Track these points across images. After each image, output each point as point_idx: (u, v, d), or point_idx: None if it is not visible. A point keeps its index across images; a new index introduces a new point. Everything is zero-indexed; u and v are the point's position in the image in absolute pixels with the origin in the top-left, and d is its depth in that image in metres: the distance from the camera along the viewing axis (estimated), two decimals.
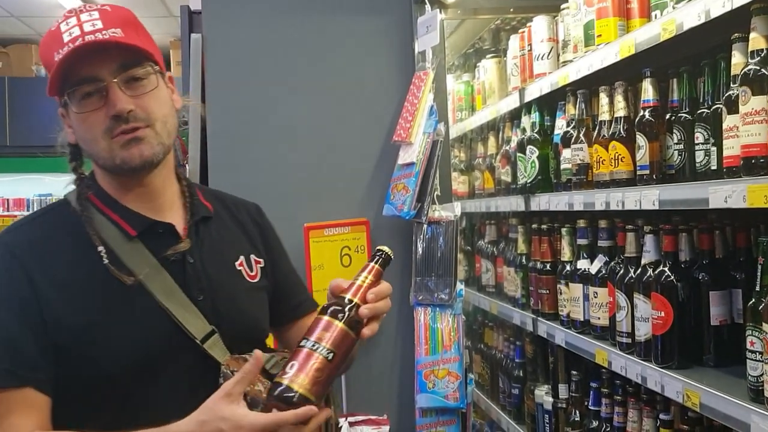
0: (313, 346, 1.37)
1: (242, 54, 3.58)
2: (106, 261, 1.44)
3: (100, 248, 1.45)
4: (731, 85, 1.77)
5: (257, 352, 1.42)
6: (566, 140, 2.59)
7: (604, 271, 2.41)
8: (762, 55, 1.63)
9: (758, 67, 1.62)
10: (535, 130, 2.90)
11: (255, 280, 1.64)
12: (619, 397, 2.42)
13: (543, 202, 2.77)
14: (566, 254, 2.67)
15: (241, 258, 1.64)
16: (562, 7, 2.67)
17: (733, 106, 1.71)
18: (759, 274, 1.70)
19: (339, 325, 1.39)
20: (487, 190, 3.58)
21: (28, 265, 1.42)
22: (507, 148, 3.23)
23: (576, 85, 2.53)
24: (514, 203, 3.07)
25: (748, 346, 1.70)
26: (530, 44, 2.89)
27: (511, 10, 3.27)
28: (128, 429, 1.35)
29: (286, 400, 1.32)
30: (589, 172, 2.45)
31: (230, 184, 3.61)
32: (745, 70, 1.65)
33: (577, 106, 2.54)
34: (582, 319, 2.55)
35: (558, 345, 2.75)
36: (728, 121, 1.74)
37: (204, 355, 1.46)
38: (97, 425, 1.38)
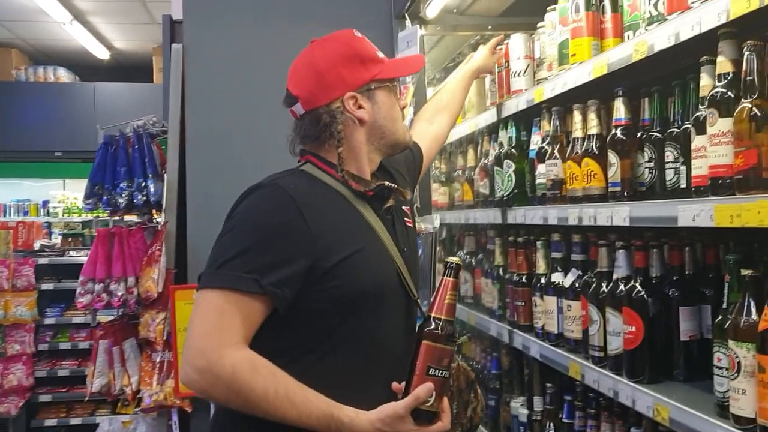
0: (435, 372, 1.73)
1: (222, 64, 3.60)
2: (357, 208, 1.85)
3: (347, 203, 1.84)
4: (700, 106, 1.81)
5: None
6: (541, 156, 2.63)
7: (577, 285, 2.45)
8: (729, 78, 1.67)
9: (725, 90, 1.66)
10: (512, 145, 2.93)
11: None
12: (592, 411, 2.45)
13: (519, 215, 2.80)
14: (541, 267, 2.70)
15: (406, 215, 2.07)
16: (539, 25, 2.72)
17: (701, 127, 1.75)
18: (725, 291, 1.74)
19: (437, 345, 1.74)
20: (466, 202, 3.61)
21: (302, 204, 1.74)
22: (485, 161, 3.26)
23: (551, 102, 2.57)
24: (491, 215, 3.10)
25: (715, 362, 1.74)
26: (507, 61, 2.93)
27: (490, 27, 3.31)
28: (359, 345, 1.79)
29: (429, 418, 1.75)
30: (563, 187, 2.48)
31: (209, 192, 3.65)
32: (713, 92, 1.70)
33: (552, 122, 2.58)
34: (556, 332, 2.58)
35: (533, 357, 2.78)
36: (696, 141, 1.78)
37: (408, 291, 1.90)
38: (333, 344, 1.76)
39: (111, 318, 3.94)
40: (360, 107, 1.89)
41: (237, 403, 1.67)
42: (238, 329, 1.67)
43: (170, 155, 3.72)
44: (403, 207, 2.07)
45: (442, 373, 1.74)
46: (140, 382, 3.59)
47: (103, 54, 9.95)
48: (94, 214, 7.92)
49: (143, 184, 3.76)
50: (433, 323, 1.75)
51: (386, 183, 1.92)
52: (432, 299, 1.79)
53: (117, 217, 4.35)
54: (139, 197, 3.75)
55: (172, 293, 3.46)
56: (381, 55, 1.94)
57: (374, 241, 1.85)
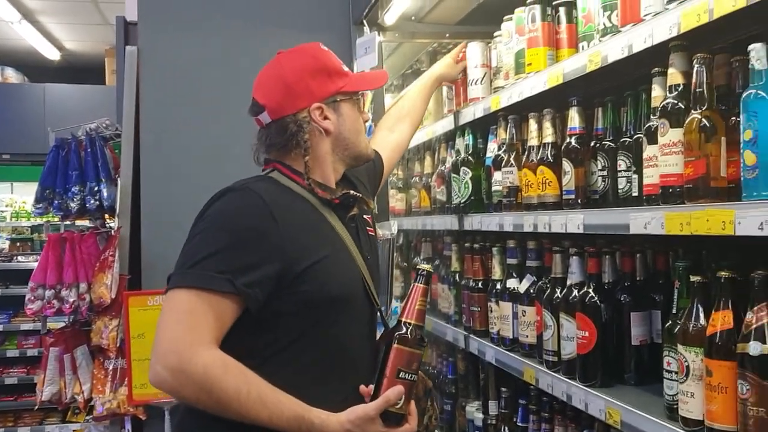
0: (404, 375, 1.78)
1: (178, 68, 3.56)
2: (324, 216, 1.88)
3: (315, 210, 1.87)
4: (651, 116, 1.86)
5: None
6: (497, 163, 2.67)
7: (532, 291, 2.48)
8: (679, 89, 1.72)
9: (676, 101, 1.71)
10: (469, 153, 2.96)
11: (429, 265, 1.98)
12: (546, 414, 2.49)
13: (475, 221, 2.83)
14: (497, 273, 2.73)
15: (368, 223, 2.09)
16: (496, 34, 2.75)
17: (652, 137, 1.79)
18: (675, 297, 1.79)
19: (407, 349, 1.79)
20: (423, 208, 3.63)
21: (275, 208, 1.77)
22: (442, 168, 3.29)
23: (507, 111, 2.61)
24: (448, 222, 3.13)
25: (665, 366, 1.79)
26: (464, 69, 2.96)
27: (447, 35, 3.34)
28: (325, 349, 1.82)
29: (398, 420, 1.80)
30: (518, 194, 2.52)
31: (164, 197, 3.61)
32: (664, 103, 1.74)
33: (508, 130, 2.61)
34: (511, 337, 2.61)
35: (488, 362, 2.81)
36: (648, 150, 1.82)
37: (371, 299, 1.94)
38: (301, 347, 1.79)
39: (62, 325, 3.87)
40: (326, 118, 1.93)
41: (207, 404, 1.67)
42: (210, 329, 1.68)
43: (124, 159, 3.67)
44: (365, 216, 2.09)
45: (411, 377, 1.79)
46: (92, 390, 3.53)
47: (53, 54, 9.75)
48: (45, 219, 7.75)
49: (96, 189, 3.71)
50: (404, 327, 1.81)
51: (351, 192, 1.97)
52: (403, 304, 1.85)
53: (68, 222, 4.28)
54: (92, 202, 3.69)
55: (125, 299, 3.41)
56: (346, 68, 2.00)
57: (341, 248, 1.89)
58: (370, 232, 2.09)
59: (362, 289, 1.93)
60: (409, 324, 1.81)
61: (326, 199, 1.91)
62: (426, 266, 1.86)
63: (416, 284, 1.84)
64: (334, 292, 1.82)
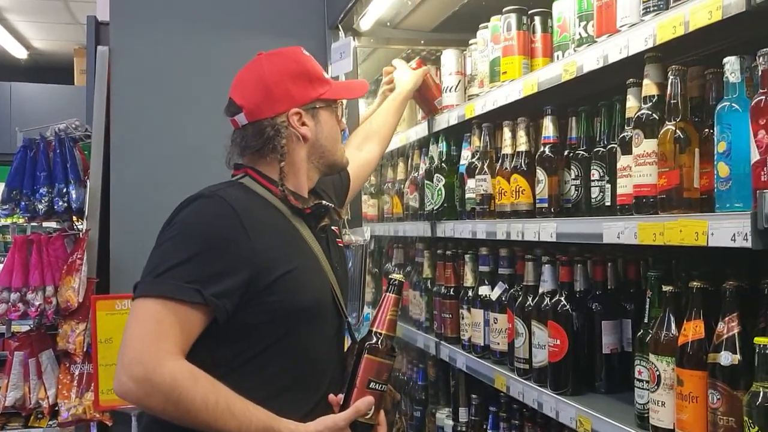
0: (375, 385, 1.77)
1: (150, 69, 3.52)
2: (295, 225, 1.85)
3: (285, 219, 1.85)
4: (626, 126, 1.87)
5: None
6: (471, 171, 2.67)
7: (504, 298, 2.49)
8: (654, 100, 1.73)
9: (650, 112, 1.72)
10: (443, 160, 2.97)
11: (401, 275, 1.97)
12: (516, 422, 2.49)
13: (448, 228, 2.84)
14: (469, 280, 2.74)
15: (337, 235, 2.09)
16: (471, 42, 2.76)
17: (626, 147, 1.81)
18: (647, 306, 1.81)
19: (378, 359, 1.78)
20: (395, 215, 3.63)
21: (245, 217, 1.74)
22: (415, 174, 3.30)
23: (481, 119, 2.62)
24: (421, 229, 3.12)
25: (636, 375, 1.80)
26: (439, 76, 2.96)
27: (422, 42, 3.35)
28: (293, 359, 1.79)
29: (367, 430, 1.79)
30: (492, 202, 2.53)
31: (133, 199, 3.57)
32: (639, 114, 1.76)
33: (482, 138, 2.62)
34: (482, 344, 2.61)
35: (459, 369, 2.81)
36: (622, 161, 1.84)
37: (340, 310, 1.92)
38: (268, 357, 1.76)
39: (27, 328, 3.80)
40: (304, 124, 1.91)
41: (174, 414, 1.63)
42: (177, 339, 1.65)
43: (94, 161, 3.61)
44: (333, 227, 2.08)
45: (381, 387, 1.78)
46: (57, 396, 3.47)
47: (20, 53, 9.61)
48: (11, 220, 7.61)
49: (64, 190, 3.65)
50: (375, 337, 1.79)
51: (323, 202, 1.95)
52: (374, 314, 1.84)
53: (35, 224, 4.21)
54: (60, 203, 3.63)
55: (93, 303, 3.36)
56: (327, 75, 1.99)
57: (311, 258, 1.87)
58: (339, 243, 2.09)
59: (331, 300, 1.90)
60: (380, 334, 1.80)
61: (298, 208, 1.88)
62: (398, 276, 1.84)
63: (388, 294, 1.83)
64: (303, 303, 1.80)
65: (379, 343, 1.79)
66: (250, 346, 1.76)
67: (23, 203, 3.67)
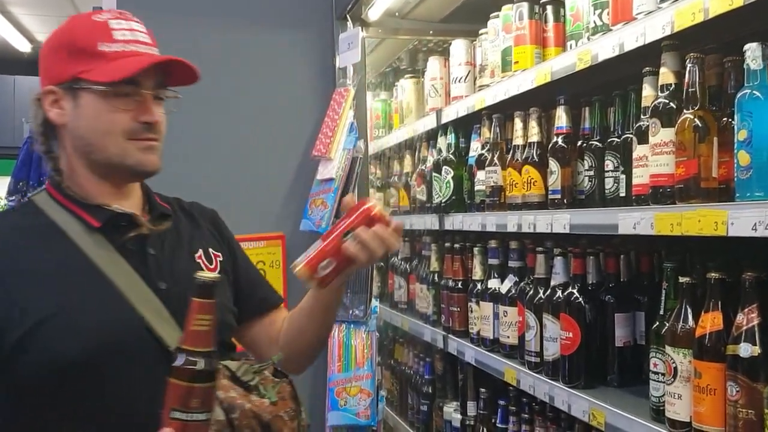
0: (180, 415, 1.35)
1: None
2: (80, 249, 1.49)
3: (66, 241, 1.49)
4: (641, 116, 1.85)
5: None
6: (481, 162, 2.65)
7: (514, 291, 2.47)
8: (671, 89, 1.71)
9: (667, 101, 1.70)
10: (451, 152, 2.95)
11: (215, 273, 1.63)
12: (526, 415, 2.47)
13: (457, 221, 2.81)
14: (477, 273, 2.71)
15: (200, 251, 1.68)
16: (481, 32, 2.73)
17: (643, 137, 1.78)
18: (663, 298, 1.78)
19: (180, 383, 1.35)
20: (402, 208, 3.61)
21: None
22: (423, 167, 3.27)
23: (492, 109, 2.59)
24: (428, 222, 3.10)
25: (652, 367, 1.78)
26: (448, 67, 2.94)
27: (431, 32, 3.33)
28: (91, 421, 1.42)
29: None
30: (502, 194, 2.50)
31: None
32: (655, 102, 1.73)
33: (492, 129, 2.59)
34: (492, 338, 2.59)
35: (467, 362, 2.79)
36: (638, 150, 1.81)
37: (159, 341, 1.48)
38: (58, 419, 1.42)
39: None
40: (58, 106, 1.53)
41: None
42: None
43: None
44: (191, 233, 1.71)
45: (189, 416, 1.36)
46: None
47: (24, 47, 9.58)
48: None
49: None
50: (177, 356, 1.37)
51: (121, 210, 1.55)
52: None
53: None
54: None
55: None
56: (113, 48, 1.51)
57: (95, 291, 1.47)
58: (196, 257, 1.66)
59: (137, 334, 1.48)
60: (183, 351, 1.36)
61: (88, 223, 1.51)
62: (207, 274, 1.37)
63: (193, 299, 1.36)
64: (71, 356, 1.40)
65: (183, 362, 1.36)
66: (27, 413, 1.44)
67: (29, 194, 3.65)
